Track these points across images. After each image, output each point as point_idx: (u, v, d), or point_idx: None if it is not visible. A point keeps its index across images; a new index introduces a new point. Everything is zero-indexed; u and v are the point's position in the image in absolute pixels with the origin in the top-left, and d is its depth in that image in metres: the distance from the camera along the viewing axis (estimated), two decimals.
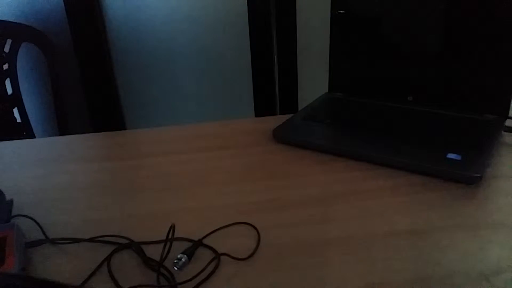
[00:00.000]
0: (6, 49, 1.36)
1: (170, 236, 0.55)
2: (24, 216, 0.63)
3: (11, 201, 0.66)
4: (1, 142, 0.90)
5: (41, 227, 0.61)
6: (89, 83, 1.75)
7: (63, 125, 1.36)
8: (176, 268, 0.52)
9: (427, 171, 0.68)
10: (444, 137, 0.76)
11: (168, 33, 1.72)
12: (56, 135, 1.38)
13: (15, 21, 1.41)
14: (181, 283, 0.50)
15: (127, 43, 1.73)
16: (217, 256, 0.54)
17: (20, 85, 1.39)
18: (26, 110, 1.41)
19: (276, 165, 0.74)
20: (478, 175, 0.64)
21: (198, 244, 0.56)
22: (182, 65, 1.78)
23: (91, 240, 0.58)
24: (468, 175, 0.65)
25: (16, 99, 1.39)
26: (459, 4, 0.79)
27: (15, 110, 1.41)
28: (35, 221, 0.62)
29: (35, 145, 0.89)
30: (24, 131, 1.42)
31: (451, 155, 0.69)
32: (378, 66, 0.89)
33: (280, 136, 0.82)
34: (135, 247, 0.56)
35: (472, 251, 0.53)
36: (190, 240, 0.57)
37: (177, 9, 1.68)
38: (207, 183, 0.70)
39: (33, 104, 1.76)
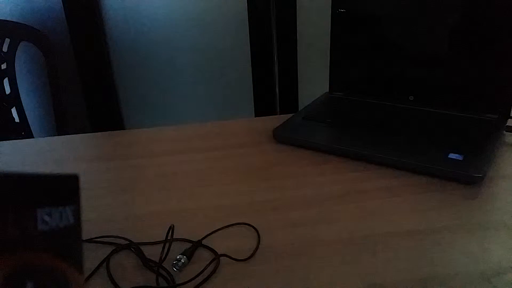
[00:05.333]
0: (4, 48, 1.36)
1: (169, 237, 0.55)
2: None
3: None
4: (0, 142, 0.89)
5: None
6: (88, 83, 1.75)
7: (61, 124, 1.36)
8: (175, 269, 0.52)
9: (428, 171, 0.67)
10: (445, 137, 0.75)
11: (168, 32, 1.72)
12: (54, 135, 1.37)
13: (13, 20, 1.41)
14: (180, 284, 0.50)
15: (126, 42, 1.73)
16: (217, 257, 0.54)
17: (18, 85, 1.38)
18: (25, 109, 1.41)
19: (276, 165, 0.74)
20: (480, 175, 0.64)
21: (197, 244, 0.56)
22: (182, 65, 1.77)
23: (90, 240, 0.58)
24: (469, 175, 0.64)
25: (15, 99, 1.38)
26: (461, 3, 0.78)
27: (13, 110, 1.40)
28: None
29: (33, 145, 0.88)
30: (22, 131, 1.42)
31: (452, 155, 0.68)
32: (379, 66, 0.89)
33: (280, 136, 0.81)
34: (134, 247, 0.56)
35: (473, 252, 0.52)
36: (190, 241, 0.57)
37: (176, 9, 1.68)
38: (207, 183, 0.70)
39: (31, 103, 1.76)
